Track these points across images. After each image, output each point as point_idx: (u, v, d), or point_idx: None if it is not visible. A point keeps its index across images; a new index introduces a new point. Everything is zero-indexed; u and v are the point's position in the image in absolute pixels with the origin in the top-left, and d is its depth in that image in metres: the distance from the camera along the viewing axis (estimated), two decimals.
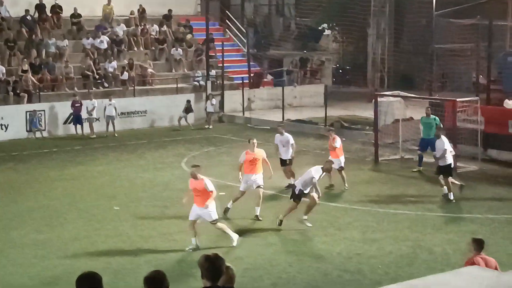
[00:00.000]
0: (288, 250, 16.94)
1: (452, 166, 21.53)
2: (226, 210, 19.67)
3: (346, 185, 22.51)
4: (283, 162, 22.89)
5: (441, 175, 21.35)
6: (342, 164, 22.73)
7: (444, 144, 21.32)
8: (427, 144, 24.88)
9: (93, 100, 33.21)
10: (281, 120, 34.43)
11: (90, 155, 28.52)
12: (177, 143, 31.26)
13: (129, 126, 34.52)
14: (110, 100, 33.23)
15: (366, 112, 34.14)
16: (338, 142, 22.89)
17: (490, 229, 18.39)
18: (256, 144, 20.17)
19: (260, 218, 19.21)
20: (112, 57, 37.76)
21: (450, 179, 21.22)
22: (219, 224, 17.30)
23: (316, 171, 18.62)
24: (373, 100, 28.68)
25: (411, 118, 30.95)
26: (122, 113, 34.30)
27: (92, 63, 36.52)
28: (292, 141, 22.88)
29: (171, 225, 18.93)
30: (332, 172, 21.27)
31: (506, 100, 28.34)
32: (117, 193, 22.30)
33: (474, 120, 26.23)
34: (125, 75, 36.69)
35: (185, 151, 29.45)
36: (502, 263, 15.45)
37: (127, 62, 37.60)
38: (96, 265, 15.29)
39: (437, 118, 25.31)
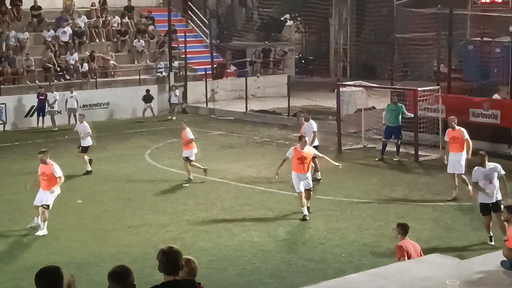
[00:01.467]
0: (253, 240, 16.97)
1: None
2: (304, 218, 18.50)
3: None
4: None
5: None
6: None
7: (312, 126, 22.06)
8: (391, 132, 25.09)
9: (55, 92, 32.97)
10: (245, 110, 34.48)
11: (52, 148, 28.17)
12: (140, 135, 31.13)
13: (91, 118, 34.12)
14: (71, 93, 33.01)
15: (328, 102, 34.26)
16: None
17: (452, 217, 18.60)
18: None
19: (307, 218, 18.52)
20: (73, 49, 37.46)
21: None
22: (46, 212, 17.50)
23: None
24: (336, 90, 28.82)
25: (373, 108, 31.14)
26: (84, 106, 34.04)
27: (53, 56, 36.19)
28: (315, 128, 22.57)
29: (135, 218, 18.87)
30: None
31: (496, 95, 28.62)
32: (80, 186, 22.15)
33: (435, 108, 26.45)
34: (85, 67, 36.40)
35: (149, 143, 29.35)
36: (464, 250, 15.70)
37: (88, 54, 37.33)
38: (59, 259, 15.20)
39: (403, 106, 25.52)
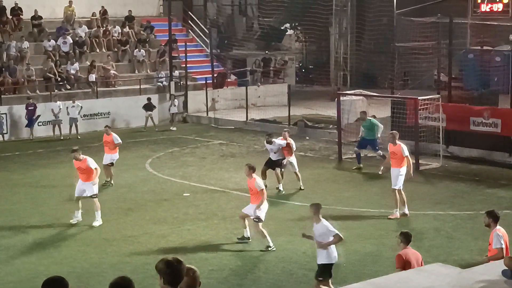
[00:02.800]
0: (254, 250, 16.95)
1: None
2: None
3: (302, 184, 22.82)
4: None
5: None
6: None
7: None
8: (366, 144, 25.26)
9: (58, 102, 33.03)
10: (245, 119, 34.49)
11: (52, 158, 28.31)
12: (141, 145, 31.13)
13: (92, 128, 34.29)
14: (73, 102, 33.03)
15: (329, 111, 34.28)
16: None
17: (453, 226, 18.58)
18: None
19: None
20: (74, 59, 37.50)
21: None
22: (97, 201, 19.01)
23: None
24: (336, 99, 28.84)
25: (374, 117, 31.11)
26: (85, 115, 34.05)
27: (53, 65, 36.23)
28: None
29: (136, 228, 18.86)
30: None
31: None
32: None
33: (435, 117, 26.46)
34: (92, 77, 36.53)
35: (149, 152, 29.35)
36: (465, 260, 15.70)
37: (89, 64, 37.39)
38: (60, 269, 15.21)
39: (373, 119, 25.57)
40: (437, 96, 27.28)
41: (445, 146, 26.81)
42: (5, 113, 32.75)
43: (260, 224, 17.07)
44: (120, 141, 24.10)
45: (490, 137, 26.12)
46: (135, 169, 26.05)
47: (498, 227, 12.24)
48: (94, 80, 36.70)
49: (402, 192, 19.53)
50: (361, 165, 25.35)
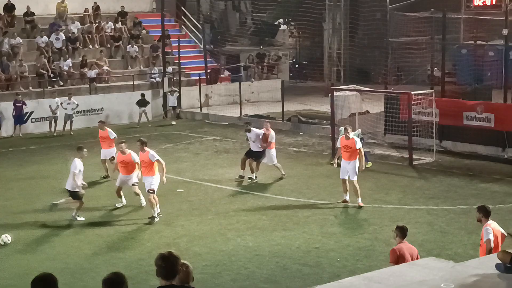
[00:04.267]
0: (247, 245, 16.95)
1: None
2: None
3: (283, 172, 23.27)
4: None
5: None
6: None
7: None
8: None
9: (57, 98, 32.98)
10: (239, 115, 34.47)
11: (46, 154, 28.25)
12: (134, 141, 30.89)
13: (85, 124, 34.23)
14: (69, 99, 32.94)
15: (323, 106, 34.29)
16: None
17: (446, 220, 18.60)
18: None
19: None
20: (67, 55, 37.43)
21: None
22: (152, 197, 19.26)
23: None
24: (330, 94, 28.83)
25: (367, 112, 31.17)
26: (78, 112, 33.97)
27: (46, 62, 36.15)
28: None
29: (129, 223, 18.84)
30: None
31: None
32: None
33: (429, 112, 26.48)
34: (92, 73, 36.52)
35: None
36: (458, 254, 15.71)
37: (81, 60, 37.33)
38: (53, 265, 15.20)
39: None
40: (431, 91, 27.31)
41: (438, 141, 26.84)
42: None
43: (153, 195, 19.00)
44: (115, 135, 24.24)
45: (483, 131, 26.16)
46: None
47: (489, 221, 12.24)
48: (95, 76, 36.67)
49: (357, 184, 20.04)
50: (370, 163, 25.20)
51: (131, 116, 35.66)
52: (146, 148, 19.52)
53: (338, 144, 21.09)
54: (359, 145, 20.15)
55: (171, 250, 7.18)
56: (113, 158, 23.59)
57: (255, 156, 23.17)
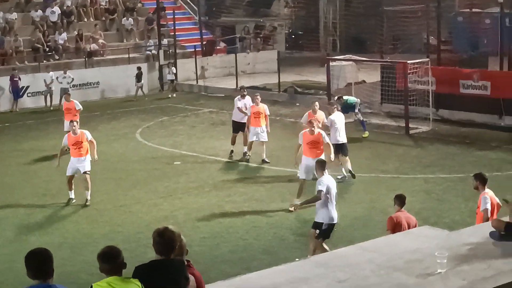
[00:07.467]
0: (245, 217, 17.01)
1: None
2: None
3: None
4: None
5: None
6: None
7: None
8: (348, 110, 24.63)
9: (51, 73, 32.92)
10: (235, 87, 34.42)
11: (43, 129, 28.23)
12: (130, 114, 31.05)
13: (81, 98, 34.07)
14: (65, 73, 32.85)
15: (319, 76, 34.20)
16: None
17: (443, 188, 18.66)
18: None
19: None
20: (62, 29, 37.28)
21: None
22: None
23: None
24: (325, 65, 28.78)
25: (363, 81, 31.16)
26: (74, 86, 33.87)
27: (41, 36, 36.03)
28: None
29: (127, 197, 18.88)
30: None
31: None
32: None
33: (425, 81, 26.46)
34: (94, 46, 36.48)
35: (139, 121, 29.28)
36: (455, 221, 15.79)
37: (76, 34, 37.20)
38: (51, 240, 15.26)
39: (348, 98, 25.07)
40: (427, 59, 27.25)
41: (435, 110, 26.84)
42: None
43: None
44: (81, 107, 24.30)
45: (480, 99, 26.14)
46: (125, 139, 26.01)
47: (486, 190, 12.30)
48: (97, 49, 36.62)
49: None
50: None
51: (127, 90, 35.59)
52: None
53: (300, 141, 17.92)
54: (327, 139, 17.98)
55: (168, 226, 7.21)
56: None
57: (242, 129, 22.50)
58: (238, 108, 22.62)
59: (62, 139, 18.84)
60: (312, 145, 17.65)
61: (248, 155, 22.22)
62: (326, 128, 19.76)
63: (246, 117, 22.16)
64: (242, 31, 43.58)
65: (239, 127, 22.66)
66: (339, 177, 19.35)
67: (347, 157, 19.82)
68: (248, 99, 22.65)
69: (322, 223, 13.59)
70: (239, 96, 23.01)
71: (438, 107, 27.14)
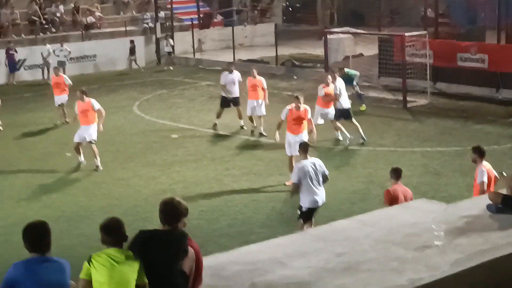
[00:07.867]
0: (243, 191, 17.03)
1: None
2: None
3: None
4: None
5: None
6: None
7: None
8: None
9: (48, 45, 32.79)
10: (233, 60, 34.32)
11: (40, 102, 28.15)
12: (129, 87, 30.99)
13: (79, 71, 34.07)
14: (61, 46, 32.74)
15: (317, 49, 34.11)
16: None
17: (441, 162, 18.67)
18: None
19: None
20: (58, 2, 37.08)
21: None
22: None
23: None
24: (323, 38, 28.68)
25: (361, 55, 31.08)
26: (71, 59, 33.79)
27: (38, 8, 35.85)
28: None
29: (125, 170, 18.89)
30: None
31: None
32: (68, 140, 21.94)
33: (422, 54, 26.39)
34: (91, 19, 36.32)
35: (137, 94, 29.24)
36: (453, 195, 15.80)
37: (73, 6, 37.02)
38: (49, 213, 15.26)
39: (349, 71, 24.93)
40: (424, 32, 27.16)
41: (432, 83, 26.82)
42: None
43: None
44: (70, 82, 24.32)
45: (477, 72, 26.11)
46: (123, 112, 25.98)
47: (484, 163, 12.33)
48: (94, 21, 36.47)
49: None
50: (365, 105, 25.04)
51: (124, 63, 35.49)
52: (85, 98, 18.92)
53: (283, 116, 17.50)
54: (309, 115, 17.58)
55: (174, 197, 7.20)
56: (62, 104, 23.78)
57: (234, 103, 22.57)
58: (221, 85, 22.55)
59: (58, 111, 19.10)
60: (296, 122, 17.30)
61: (254, 126, 22.25)
62: (337, 97, 20.37)
63: (235, 92, 22.27)
64: (239, 4, 43.39)
65: (226, 102, 22.62)
66: (347, 140, 20.24)
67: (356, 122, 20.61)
68: (236, 73, 22.56)
69: (302, 206, 13.59)
70: (227, 72, 22.84)
71: (435, 80, 27.11)
